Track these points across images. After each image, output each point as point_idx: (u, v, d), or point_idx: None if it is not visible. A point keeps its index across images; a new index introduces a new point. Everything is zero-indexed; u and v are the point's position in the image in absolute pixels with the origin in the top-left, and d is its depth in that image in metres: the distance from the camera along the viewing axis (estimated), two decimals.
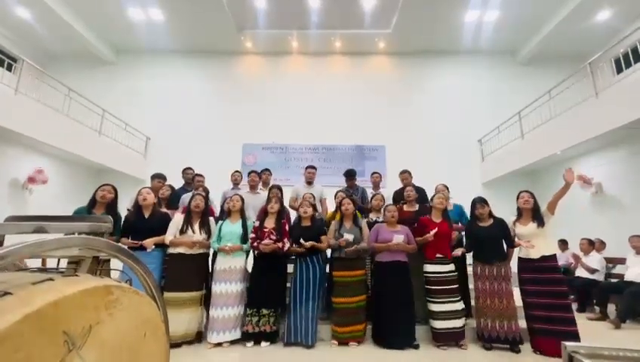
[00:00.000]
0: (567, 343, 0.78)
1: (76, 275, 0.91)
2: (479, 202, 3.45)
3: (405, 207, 4.01)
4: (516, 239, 3.35)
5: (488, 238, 3.34)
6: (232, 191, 4.42)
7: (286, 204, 4.33)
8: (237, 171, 4.71)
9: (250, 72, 9.65)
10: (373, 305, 3.50)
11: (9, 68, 6.22)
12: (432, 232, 3.30)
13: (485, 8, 7.82)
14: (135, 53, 9.48)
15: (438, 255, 3.36)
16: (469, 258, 3.63)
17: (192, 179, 4.66)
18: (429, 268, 3.38)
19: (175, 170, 4.77)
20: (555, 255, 3.21)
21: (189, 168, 4.75)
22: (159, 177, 4.35)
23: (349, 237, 3.34)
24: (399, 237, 3.32)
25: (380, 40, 9.05)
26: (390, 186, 7.65)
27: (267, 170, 4.85)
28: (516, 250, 3.37)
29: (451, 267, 3.36)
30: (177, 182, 4.57)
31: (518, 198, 3.40)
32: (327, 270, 3.68)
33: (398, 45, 9.14)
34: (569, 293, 4.06)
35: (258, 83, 9.39)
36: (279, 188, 4.11)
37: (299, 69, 9.62)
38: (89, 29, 8.42)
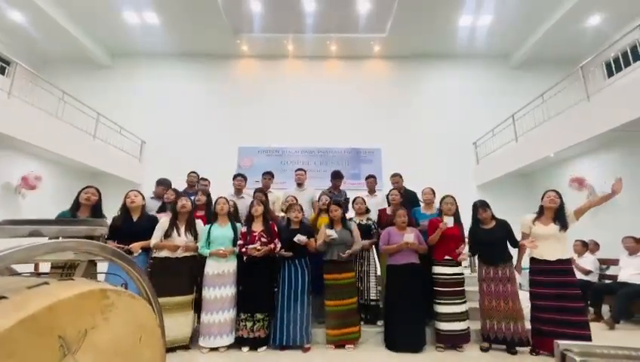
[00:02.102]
0: (560, 341, 0.79)
1: (72, 279, 0.91)
2: (481, 206, 3.43)
3: (388, 210, 4.06)
4: (523, 240, 3.31)
5: (493, 241, 3.33)
6: (231, 196, 4.38)
7: (278, 207, 4.33)
8: (240, 175, 4.61)
9: (247, 75, 9.65)
10: (375, 307, 3.54)
11: (2, 71, 6.17)
12: (445, 222, 3.30)
13: (479, 12, 7.91)
14: (131, 56, 9.44)
15: (446, 257, 3.37)
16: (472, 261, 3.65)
17: (194, 183, 4.64)
18: (437, 269, 3.39)
19: (171, 173, 4.73)
20: (570, 259, 3.16)
21: (193, 172, 4.74)
22: (163, 184, 4.31)
23: (332, 233, 3.37)
24: (410, 236, 3.33)
25: (375, 43, 9.09)
26: (386, 189, 7.69)
27: (268, 173, 4.64)
28: (528, 250, 3.30)
29: (459, 269, 3.38)
30: (174, 185, 4.54)
31: (543, 197, 3.27)
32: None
33: (393, 49, 9.20)
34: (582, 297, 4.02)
35: (254, 86, 9.39)
36: (262, 191, 4.11)
37: (295, 72, 9.64)
38: (84, 33, 8.37)
